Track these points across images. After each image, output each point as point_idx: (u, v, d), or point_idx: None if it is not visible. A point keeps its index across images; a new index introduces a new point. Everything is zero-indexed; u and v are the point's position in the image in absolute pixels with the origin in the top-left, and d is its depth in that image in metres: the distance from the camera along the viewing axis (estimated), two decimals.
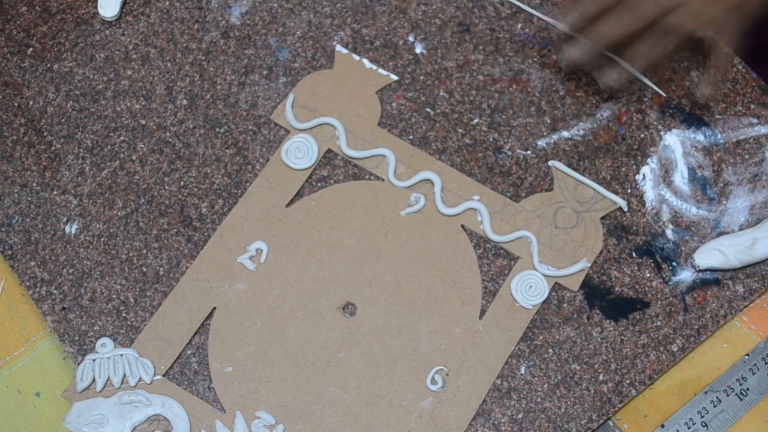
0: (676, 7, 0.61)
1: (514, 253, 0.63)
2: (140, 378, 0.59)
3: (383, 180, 0.65)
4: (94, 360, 0.59)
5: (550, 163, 0.66)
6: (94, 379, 0.59)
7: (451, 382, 0.60)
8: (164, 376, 0.59)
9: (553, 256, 0.63)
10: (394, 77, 0.68)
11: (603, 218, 0.64)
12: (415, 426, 0.59)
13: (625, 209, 0.64)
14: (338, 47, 0.68)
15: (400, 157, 0.65)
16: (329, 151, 0.66)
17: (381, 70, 0.68)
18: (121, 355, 0.59)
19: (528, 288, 0.62)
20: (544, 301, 0.62)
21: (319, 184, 0.65)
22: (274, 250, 0.63)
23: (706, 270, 0.63)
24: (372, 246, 0.63)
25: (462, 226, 0.64)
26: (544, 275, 0.62)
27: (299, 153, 0.65)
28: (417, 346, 0.60)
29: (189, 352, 0.60)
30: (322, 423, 0.59)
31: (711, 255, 0.62)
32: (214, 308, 0.61)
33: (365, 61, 0.68)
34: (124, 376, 0.59)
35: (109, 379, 0.59)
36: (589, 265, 0.62)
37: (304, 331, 0.61)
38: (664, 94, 0.67)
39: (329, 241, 0.63)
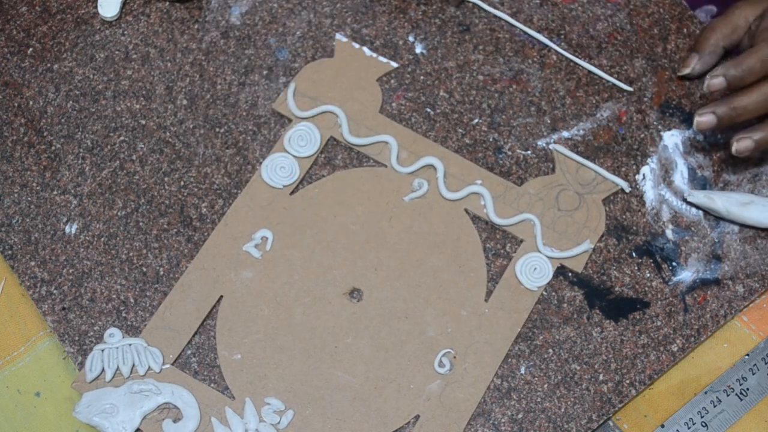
0: None
1: (518, 236, 0.63)
2: (149, 367, 0.59)
3: (386, 166, 0.65)
4: (102, 350, 0.59)
5: (551, 146, 0.66)
6: (103, 370, 0.59)
7: (458, 364, 0.60)
8: (173, 364, 0.60)
9: (556, 238, 0.63)
10: (394, 64, 0.68)
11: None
12: (423, 408, 0.59)
13: (627, 190, 0.65)
14: (338, 35, 0.68)
15: (402, 143, 0.65)
16: (332, 138, 0.66)
17: (381, 58, 0.68)
18: (130, 345, 0.60)
19: (532, 270, 0.62)
20: (544, 301, 0.62)
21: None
22: (280, 238, 0.63)
23: (692, 205, 0.64)
24: (377, 232, 0.63)
25: (465, 210, 0.64)
26: (548, 257, 0.63)
27: (302, 141, 0.65)
28: (424, 330, 0.61)
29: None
30: (332, 408, 0.59)
31: (703, 196, 0.64)
32: (221, 296, 0.61)
33: (365, 49, 0.68)
34: (133, 365, 0.59)
35: (118, 368, 0.59)
36: (592, 246, 0.63)
37: (311, 318, 0.61)
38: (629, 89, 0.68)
39: (334, 227, 0.63)
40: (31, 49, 0.69)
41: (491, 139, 0.66)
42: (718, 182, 0.66)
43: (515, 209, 0.64)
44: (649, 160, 0.66)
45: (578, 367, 0.61)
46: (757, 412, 0.60)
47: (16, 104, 0.67)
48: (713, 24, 0.65)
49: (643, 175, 0.66)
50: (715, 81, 0.61)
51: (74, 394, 0.60)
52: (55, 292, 0.62)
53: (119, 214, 0.64)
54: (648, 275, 0.63)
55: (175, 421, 0.58)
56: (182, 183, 0.65)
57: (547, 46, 0.69)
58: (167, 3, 0.70)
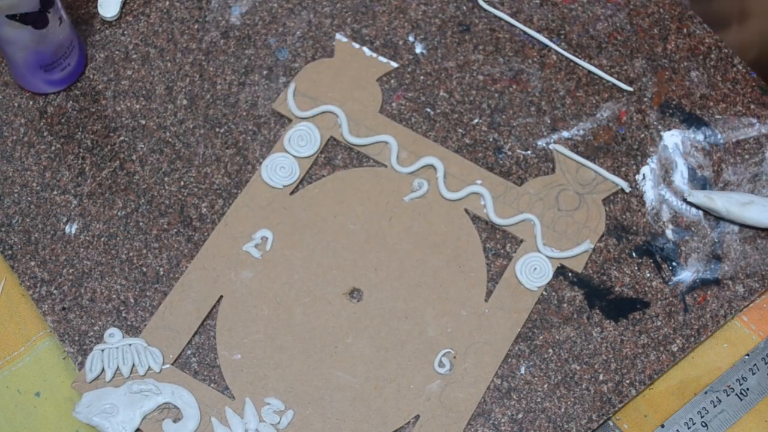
0: None
1: (518, 236, 0.63)
2: (149, 367, 0.59)
3: (386, 166, 0.65)
4: (102, 350, 0.59)
5: (551, 146, 0.66)
6: (103, 370, 0.59)
7: (458, 364, 0.60)
8: (173, 364, 0.60)
9: (556, 238, 0.63)
10: (394, 64, 0.68)
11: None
12: (423, 408, 0.59)
13: (627, 190, 0.65)
14: (338, 35, 0.69)
15: (402, 143, 0.66)
16: (332, 138, 0.66)
17: (381, 58, 0.68)
18: (130, 345, 0.60)
19: (533, 270, 0.62)
20: (544, 301, 0.62)
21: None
22: (280, 238, 0.63)
23: (692, 205, 0.64)
24: (377, 232, 0.63)
25: (465, 210, 0.64)
26: (548, 257, 0.63)
27: (302, 141, 0.65)
28: (424, 330, 0.61)
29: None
30: (332, 408, 0.59)
31: (703, 196, 0.64)
32: (221, 296, 0.61)
33: (365, 49, 0.68)
34: (133, 365, 0.59)
35: (118, 368, 0.59)
36: (592, 246, 0.63)
37: (311, 318, 0.61)
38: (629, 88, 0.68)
39: (334, 227, 0.63)
40: None
41: (491, 139, 0.66)
42: (718, 182, 0.66)
43: (515, 209, 0.64)
44: (649, 160, 0.66)
45: (578, 367, 0.61)
46: (757, 412, 0.60)
47: (16, 104, 0.67)
48: None
49: (643, 175, 0.66)
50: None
51: (74, 394, 0.60)
52: (55, 292, 0.62)
53: (119, 214, 0.64)
54: (648, 275, 0.63)
55: (175, 421, 0.58)
56: (182, 183, 0.65)
57: (547, 46, 0.69)
58: (167, 3, 0.70)
